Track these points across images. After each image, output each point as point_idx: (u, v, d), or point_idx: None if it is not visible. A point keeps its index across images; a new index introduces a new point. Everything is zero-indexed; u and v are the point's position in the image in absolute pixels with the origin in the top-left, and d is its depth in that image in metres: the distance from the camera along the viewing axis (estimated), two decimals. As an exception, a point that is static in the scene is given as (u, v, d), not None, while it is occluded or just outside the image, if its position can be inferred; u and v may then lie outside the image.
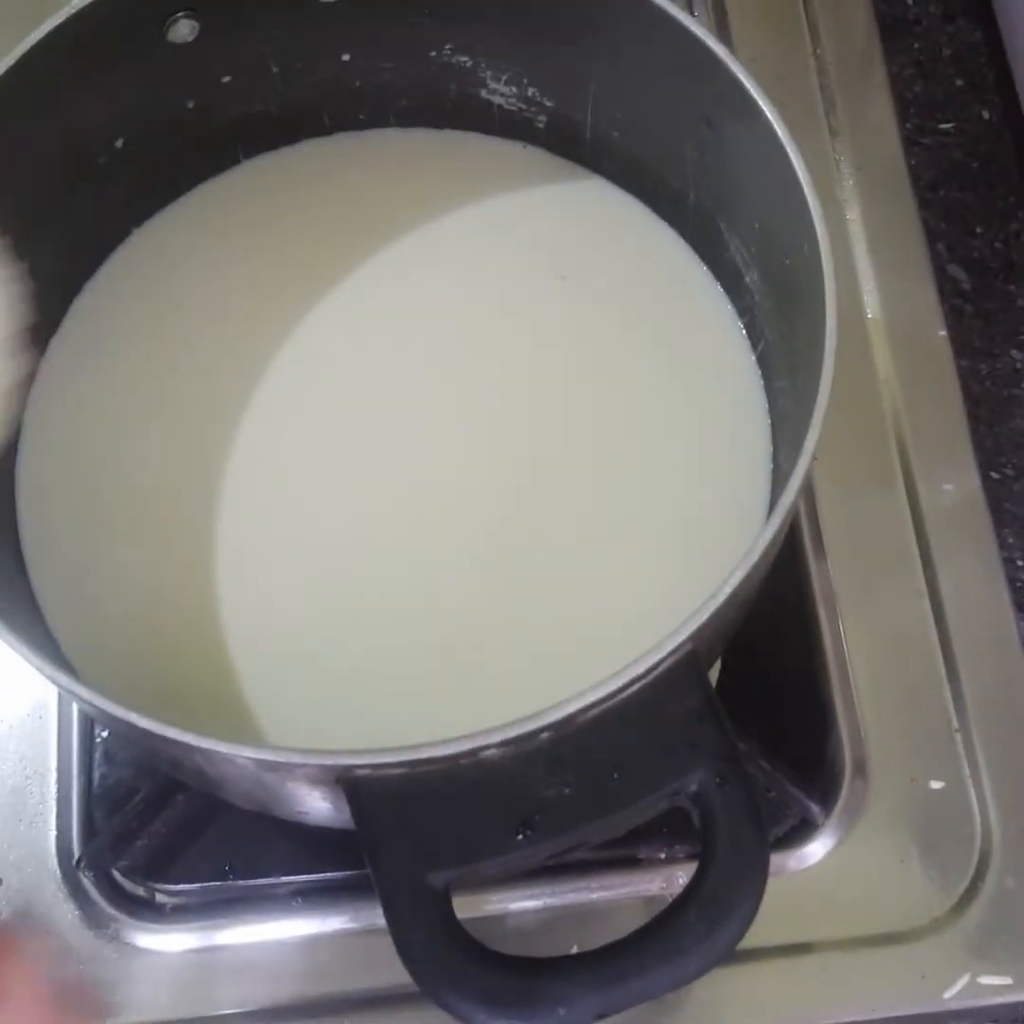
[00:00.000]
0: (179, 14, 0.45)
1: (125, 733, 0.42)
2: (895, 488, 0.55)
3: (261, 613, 0.47)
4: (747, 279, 0.48)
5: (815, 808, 0.50)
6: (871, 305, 0.57)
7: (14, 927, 0.49)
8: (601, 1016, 0.34)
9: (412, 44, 0.49)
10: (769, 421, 0.49)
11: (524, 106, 0.51)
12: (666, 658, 0.35)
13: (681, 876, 0.50)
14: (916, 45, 0.64)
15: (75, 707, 0.52)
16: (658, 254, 0.51)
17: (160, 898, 0.51)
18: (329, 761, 0.35)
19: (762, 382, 0.49)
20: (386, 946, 0.35)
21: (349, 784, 0.35)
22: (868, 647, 0.52)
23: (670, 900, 0.35)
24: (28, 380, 0.49)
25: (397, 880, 0.35)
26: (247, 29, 0.47)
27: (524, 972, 0.35)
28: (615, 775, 0.36)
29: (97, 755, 0.52)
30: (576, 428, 0.49)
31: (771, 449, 0.48)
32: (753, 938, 0.35)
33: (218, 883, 0.51)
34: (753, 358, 0.50)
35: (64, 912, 0.50)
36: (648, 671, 0.35)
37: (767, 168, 0.42)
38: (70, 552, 0.47)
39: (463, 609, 0.46)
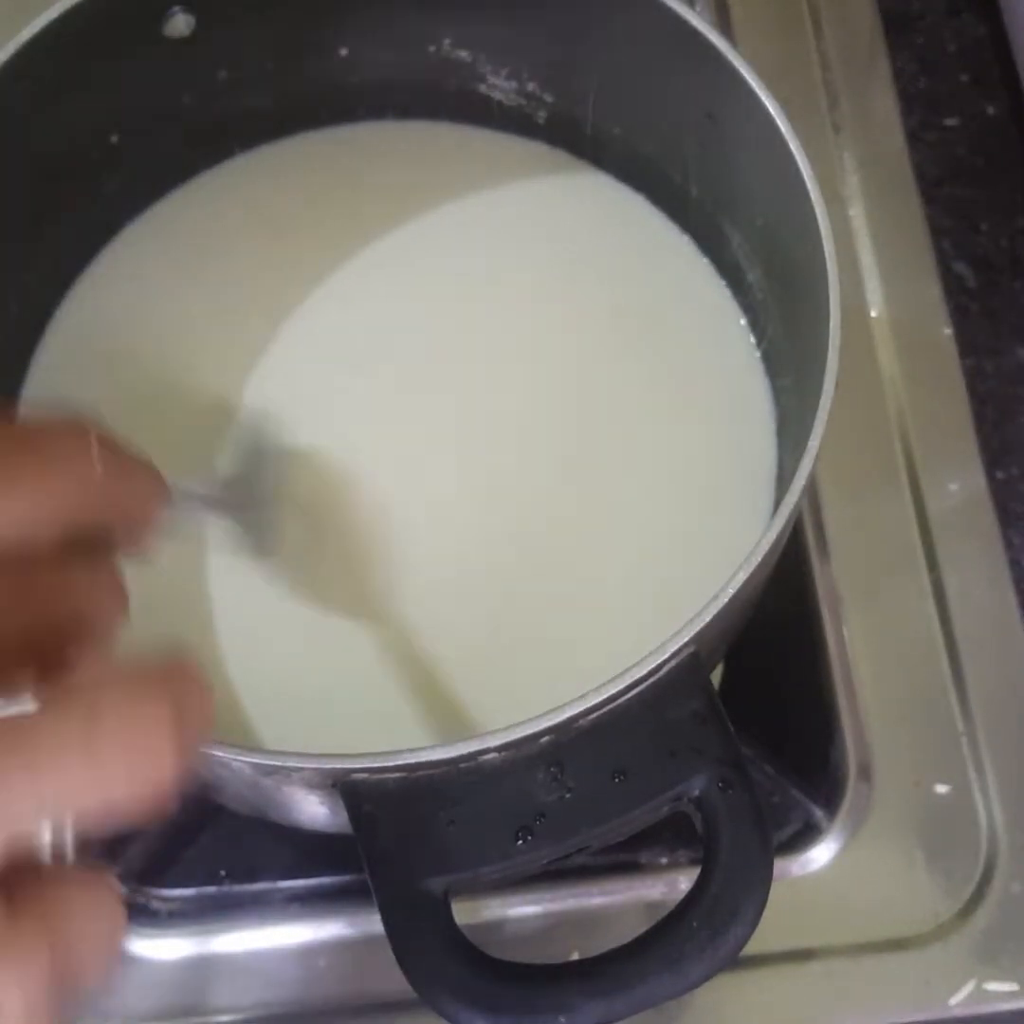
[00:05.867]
0: (176, 9, 0.45)
1: (120, 736, 0.41)
2: (900, 488, 0.54)
3: (258, 616, 0.46)
4: (750, 276, 0.48)
5: (819, 812, 0.50)
6: (875, 303, 0.57)
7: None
8: None
9: (410, 39, 0.49)
10: (773, 420, 0.48)
11: (524, 101, 0.51)
12: (668, 661, 0.35)
13: (683, 882, 0.50)
14: (920, 40, 0.64)
15: (70, 709, 0.52)
16: (660, 250, 0.51)
17: (155, 904, 0.50)
18: (326, 765, 0.34)
19: (766, 380, 0.49)
20: (384, 952, 0.34)
21: (347, 788, 0.35)
22: (872, 649, 0.52)
23: (672, 906, 0.35)
24: (21, 378, 0.49)
25: (395, 886, 0.35)
26: (243, 24, 0.47)
27: (524, 979, 0.34)
28: (616, 779, 0.35)
29: (92, 758, 0.52)
30: (574, 426, 0.49)
31: (775, 448, 0.48)
32: (756, 944, 0.35)
33: (214, 888, 0.50)
34: (756, 356, 0.49)
35: (59, 917, 0.49)
36: (650, 674, 0.35)
37: (769, 164, 0.41)
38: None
39: (462, 612, 0.46)
